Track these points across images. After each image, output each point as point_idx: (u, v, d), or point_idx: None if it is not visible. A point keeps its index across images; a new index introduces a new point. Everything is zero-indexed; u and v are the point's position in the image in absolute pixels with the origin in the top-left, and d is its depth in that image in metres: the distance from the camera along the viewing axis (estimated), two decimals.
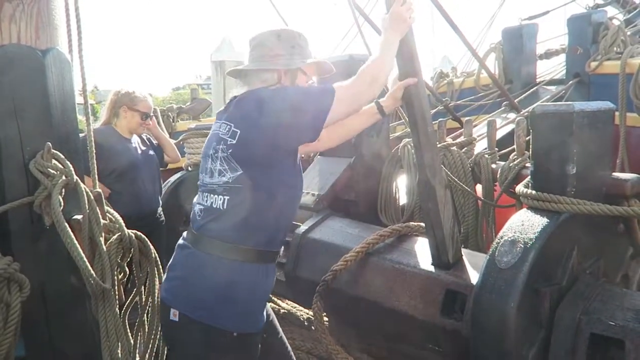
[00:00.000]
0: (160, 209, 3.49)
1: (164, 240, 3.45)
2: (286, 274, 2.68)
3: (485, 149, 3.06)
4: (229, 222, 1.60)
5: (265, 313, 1.78)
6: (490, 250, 1.83)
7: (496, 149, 3.05)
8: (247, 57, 1.82)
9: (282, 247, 1.83)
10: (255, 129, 1.59)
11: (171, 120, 6.53)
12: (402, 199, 3.23)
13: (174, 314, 1.59)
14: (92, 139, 1.80)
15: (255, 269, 1.63)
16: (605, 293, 1.78)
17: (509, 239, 1.77)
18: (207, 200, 1.66)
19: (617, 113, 3.82)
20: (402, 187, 3.24)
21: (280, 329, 1.95)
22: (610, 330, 1.59)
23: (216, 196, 1.63)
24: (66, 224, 1.58)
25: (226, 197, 1.61)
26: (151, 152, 3.47)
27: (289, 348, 1.95)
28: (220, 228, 1.61)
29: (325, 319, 2.59)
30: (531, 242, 1.72)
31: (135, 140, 3.40)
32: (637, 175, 1.96)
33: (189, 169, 4.28)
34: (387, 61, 1.75)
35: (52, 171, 1.61)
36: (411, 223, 2.63)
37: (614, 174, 1.98)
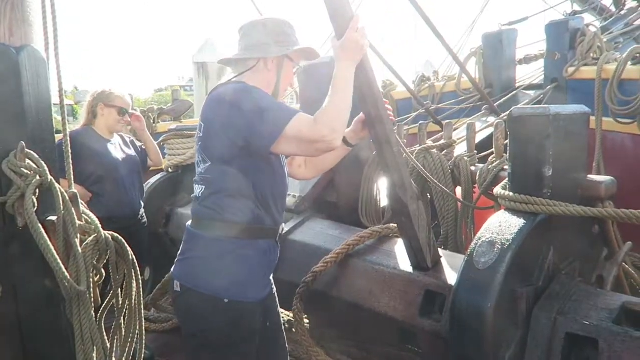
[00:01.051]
0: (142, 210, 3.45)
1: (145, 242, 3.41)
2: None
3: (465, 151, 3.09)
4: (209, 206, 1.80)
5: (267, 292, 1.91)
6: (469, 251, 1.86)
7: (475, 151, 3.08)
8: (237, 46, 1.90)
9: (280, 224, 1.93)
10: (213, 124, 1.76)
11: (152, 121, 6.46)
12: (384, 201, 3.25)
13: (177, 285, 1.83)
14: (68, 139, 1.77)
15: (241, 244, 1.79)
16: (581, 293, 1.80)
17: (487, 240, 1.80)
18: (195, 189, 1.89)
19: (593, 117, 3.89)
20: (383, 189, 3.26)
21: (281, 327, 2.08)
22: (584, 330, 1.61)
23: (197, 185, 1.87)
24: (40, 225, 1.55)
25: (203, 187, 1.83)
26: (132, 153, 3.42)
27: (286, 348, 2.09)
28: (205, 211, 1.81)
29: (306, 320, 2.59)
30: (508, 243, 1.74)
31: (116, 140, 3.35)
32: (611, 178, 2.00)
33: (169, 170, 4.24)
34: (345, 104, 1.62)
35: (25, 171, 1.57)
36: (391, 225, 2.64)
37: (589, 176, 2.01)
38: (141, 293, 1.86)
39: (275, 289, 2.03)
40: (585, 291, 1.82)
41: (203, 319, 1.79)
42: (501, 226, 1.83)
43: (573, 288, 1.83)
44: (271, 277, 1.99)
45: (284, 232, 2.70)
